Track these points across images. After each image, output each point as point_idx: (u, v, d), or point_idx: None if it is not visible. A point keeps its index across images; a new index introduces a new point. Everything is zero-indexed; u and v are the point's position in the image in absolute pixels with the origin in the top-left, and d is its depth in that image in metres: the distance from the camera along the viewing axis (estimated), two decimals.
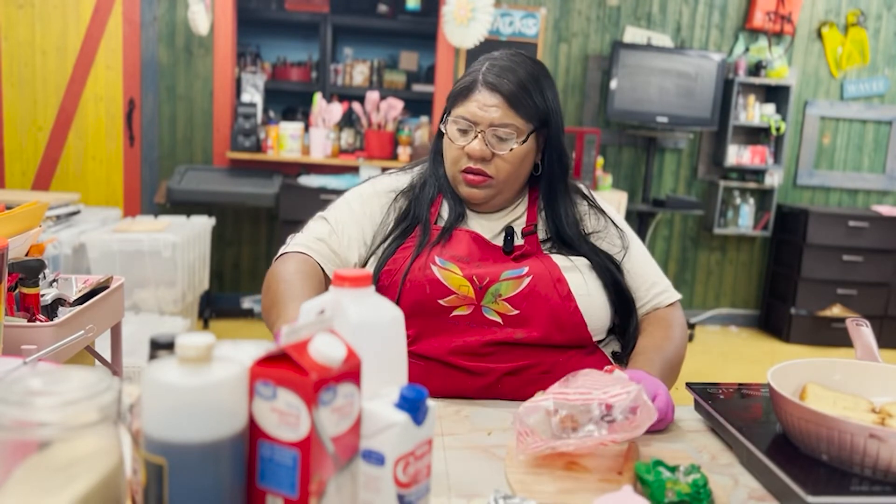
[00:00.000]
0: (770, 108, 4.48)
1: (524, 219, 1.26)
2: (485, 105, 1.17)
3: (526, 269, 1.17)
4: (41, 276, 1.25)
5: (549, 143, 1.24)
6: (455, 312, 1.15)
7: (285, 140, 4.10)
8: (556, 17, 4.38)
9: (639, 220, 4.38)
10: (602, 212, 1.31)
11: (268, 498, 0.60)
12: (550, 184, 1.26)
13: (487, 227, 1.25)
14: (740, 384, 1.12)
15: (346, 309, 0.72)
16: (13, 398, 0.54)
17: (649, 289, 1.27)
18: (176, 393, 0.56)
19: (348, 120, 4.34)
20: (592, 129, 4.15)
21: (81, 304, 1.30)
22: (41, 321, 1.20)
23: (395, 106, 4.13)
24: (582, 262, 1.21)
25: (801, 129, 4.64)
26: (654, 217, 4.57)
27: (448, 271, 1.16)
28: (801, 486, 0.77)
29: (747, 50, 4.49)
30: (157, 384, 0.56)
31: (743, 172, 4.58)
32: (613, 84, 4.21)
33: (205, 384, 0.56)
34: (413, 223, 1.24)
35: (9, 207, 1.30)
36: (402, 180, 1.32)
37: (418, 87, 4.71)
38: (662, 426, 1.00)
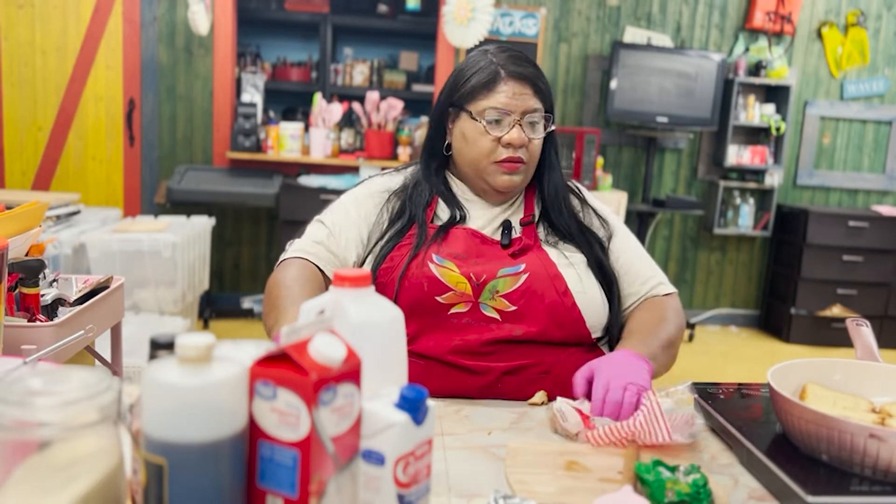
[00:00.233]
0: (770, 108, 4.48)
1: (522, 209, 1.27)
2: (516, 94, 1.19)
3: (523, 266, 1.17)
4: (41, 276, 1.25)
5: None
6: (453, 310, 1.16)
7: (285, 140, 4.10)
8: (556, 17, 4.38)
9: (639, 220, 4.38)
10: (586, 202, 1.33)
11: (268, 498, 0.60)
12: (550, 171, 1.28)
13: (486, 220, 1.25)
14: (740, 384, 1.12)
15: (346, 309, 0.72)
16: (13, 398, 0.54)
17: (644, 283, 1.27)
18: (176, 393, 0.56)
19: (348, 120, 4.34)
20: (592, 129, 4.15)
21: (81, 304, 1.30)
22: (41, 321, 1.20)
23: (395, 106, 4.13)
24: (578, 258, 1.22)
25: (801, 129, 4.64)
26: (654, 217, 4.57)
27: (445, 269, 1.16)
28: (801, 486, 0.77)
29: (747, 50, 4.49)
30: (157, 384, 0.56)
31: (743, 172, 4.58)
32: (613, 84, 4.21)
33: (205, 384, 0.56)
34: (408, 223, 1.24)
35: (9, 207, 1.30)
36: (394, 180, 1.32)
37: (418, 87, 4.71)
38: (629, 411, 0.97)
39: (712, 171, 4.63)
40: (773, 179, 4.49)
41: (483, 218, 1.26)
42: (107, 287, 1.40)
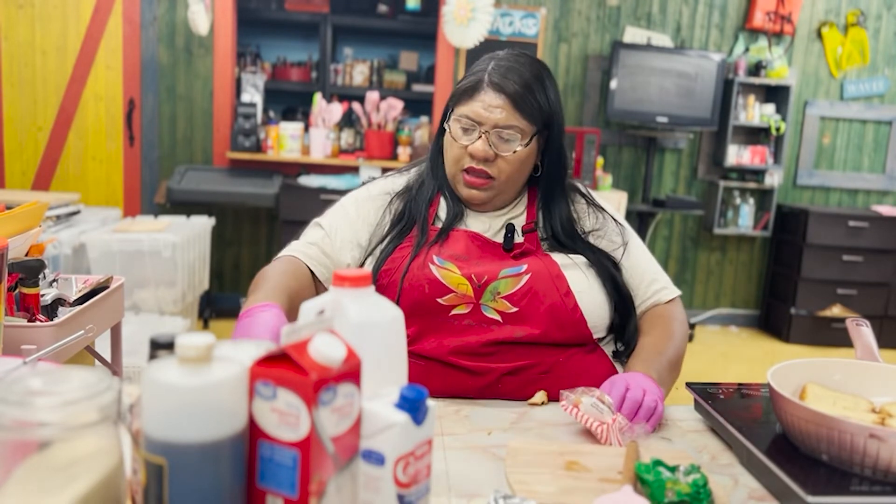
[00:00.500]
0: (770, 108, 4.48)
1: (524, 217, 1.27)
2: (490, 105, 1.16)
3: (524, 267, 1.17)
4: (41, 276, 1.25)
5: (550, 144, 1.23)
6: (454, 311, 1.15)
7: (285, 140, 4.10)
8: (556, 17, 4.38)
9: (639, 220, 4.38)
10: (601, 209, 1.31)
11: (268, 498, 0.60)
12: (549, 185, 1.26)
13: (487, 224, 1.25)
14: (740, 384, 1.12)
15: (346, 309, 0.72)
16: (13, 398, 0.54)
17: (649, 285, 1.27)
18: (176, 393, 0.56)
19: (348, 120, 4.34)
20: (592, 129, 4.15)
21: (81, 304, 1.30)
22: (41, 321, 1.20)
23: (395, 106, 4.13)
24: (581, 259, 1.21)
25: (801, 129, 4.64)
26: (654, 217, 4.57)
27: (446, 270, 1.16)
28: (801, 486, 0.77)
29: (747, 50, 4.49)
30: (157, 384, 0.56)
31: (743, 172, 4.58)
32: (613, 84, 4.21)
33: (205, 384, 0.56)
34: (410, 224, 1.24)
35: (9, 207, 1.30)
36: (397, 182, 1.32)
37: (418, 87, 4.71)
38: (654, 423, 1.00)
39: (712, 171, 4.63)
40: (773, 179, 4.49)
41: (484, 220, 1.26)
42: (107, 287, 1.40)
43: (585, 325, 1.17)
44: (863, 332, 1.07)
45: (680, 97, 4.28)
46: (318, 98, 4.14)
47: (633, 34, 4.42)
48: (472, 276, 1.16)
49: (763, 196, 4.62)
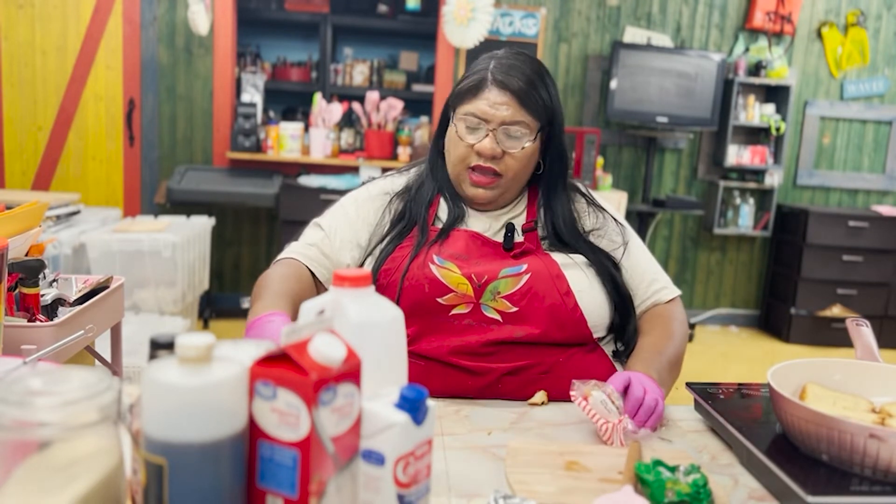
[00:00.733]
0: (770, 108, 4.48)
1: (524, 216, 1.27)
2: (495, 103, 1.17)
3: (525, 267, 1.17)
4: (41, 276, 1.25)
5: (552, 141, 1.24)
6: (454, 311, 1.15)
7: (285, 140, 4.10)
8: (556, 17, 4.38)
9: (639, 220, 4.38)
10: (601, 209, 1.31)
11: (268, 498, 0.60)
12: (551, 181, 1.26)
13: (487, 224, 1.25)
14: (740, 384, 1.12)
15: (346, 309, 0.72)
16: (13, 398, 0.54)
17: (649, 285, 1.27)
18: (176, 393, 0.56)
19: (348, 120, 4.34)
20: (592, 129, 4.15)
21: (81, 304, 1.30)
22: (41, 321, 1.20)
23: (395, 106, 4.13)
24: (581, 258, 1.21)
25: (801, 129, 4.64)
26: (654, 217, 4.57)
27: (446, 270, 1.16)
28: (801, 486, 0.77)
29: (747, 50, 4.49)
30: (157, 384, 0.56)
31: (743, 172, 4.58)
32: (613, 84, 4.21)
33: (205, 384, 0.56)
34: (410, 224, 1.24)
35: (9, 207, 1.30)
36: (397, 182, 1.32)
37: (418, 87, 4.71)
38: (654, 421, 1.00)
39: (712, 171, 4.63)
40: (773, 179, 4.49)
41: (485, 220, 1.26)
42: (107, 287, 1.40)
43: (585, 325, 1.17)
44: (863, 332, 1.07)
45: (680, 97, 4.28)
46: (318, 98, 4.14)
47: (633, 34, 4.42)
48: (472, 275, 1.16)
49: (763, 196, 4.62)
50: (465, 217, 1.25)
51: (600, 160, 4.22)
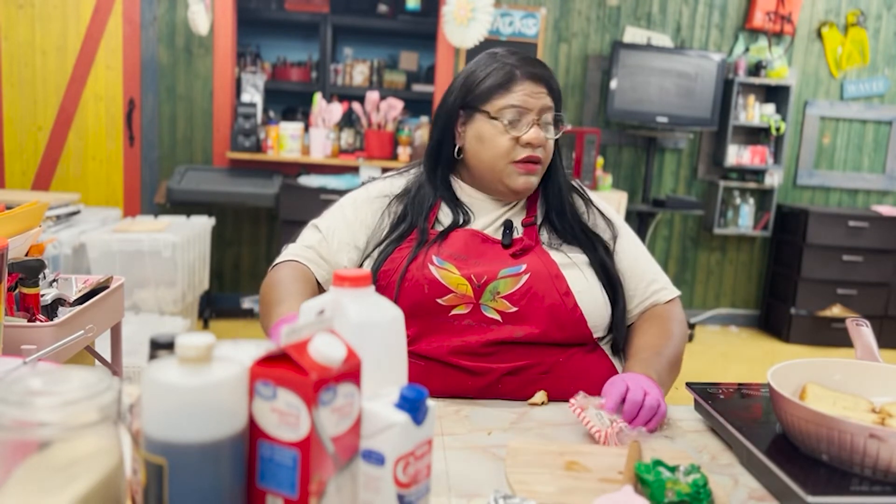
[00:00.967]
0: (770, 108, 4.48)
1: (524, 211, 1.28)
2: (533, 93, 1.20)
3: (524, 267, 1.17)
4: (41, 276, 1.25)
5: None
6: (454, 311, 1.15)
7: (285, 140, 4.10)
8: (556, 17, 4.38)
9: (639, 220, 4.38)
10: (591, 202, 1.33)
11: (268, 498, 0.60)
12: (554, 172, 1.28)
13: (489, 220, 1.25)
14: (740, 384, 1.12)
15: (346, 309, 0.72)
16: (13, 398, 0.54)
17: (648, 285, 1.27)
18: (176, 393, 0.56)
19: (348, 120, 4.34)
20: (592, 129, 4.15)
21: (81, 304, 1.30)
22: (41, 321, 1.20)
23: (395, 106, 4.13)
24: (581, 258, 1.21)
25: (801, 129, 4.64)
26: (654, 217, 4.57)
27: (446, 270, 1.16)
28: (801, 486, 0.77)
29: (747, 50, 4.49)
30: (157, 384, 0.56)
31: (743, 172, 4.58)
32: (613, 84, 4.21)
33: (205, 384, 0.56)
34: (410, 227, 1.24)
35: (9, 207, 1.30)
36: (395, 184, 1.32)
37: (418, 87, 4.71)
38: (656, 422, 1.01)
39: (712, 171, 4.63)
40: (773, 179, 4.49)
41: (485, 219, 1.26)
42: (107, 287, 1.40)
43: (585, 325, 1.17)
44: (863, 332, 1.07)
45: (680, 97, 4.28)
46: (318, 98, 4.14)
47: (633, 34, 4.42)
48: (472, 276, 1.16)
49: (763, 196, 4.62)
50: (470, 222, 1.25)
51: (600, 160, 4.22)
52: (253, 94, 4.23)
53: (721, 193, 4.49)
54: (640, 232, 4.37)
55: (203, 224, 3.48)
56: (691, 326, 4.44)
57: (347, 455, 0.62)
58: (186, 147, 4.23)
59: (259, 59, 4.64)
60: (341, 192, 3.14)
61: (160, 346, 0.69)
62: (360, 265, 1.25)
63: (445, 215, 1.26)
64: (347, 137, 4.27)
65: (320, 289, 1.24)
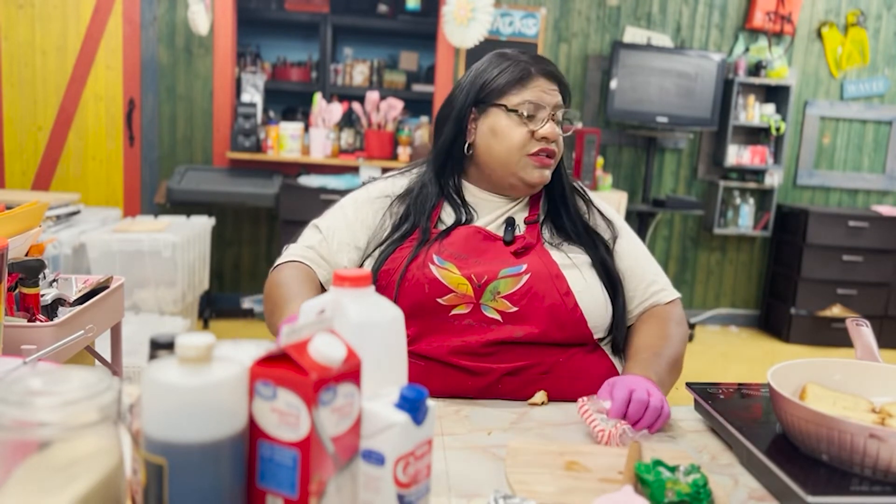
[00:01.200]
0: (770, 108, 4.48)
1: (527, 209, 1.28)
2: (548, 89, 1.23)
3: (524, 267, 1.17)
4: (41, 276, 1.25)
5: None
6: (454, 311, 1.15)
7: (285, 140, 4.10)
8: (556, 17, 4.38)
9: (639, 220, 4.38)
10: (591, 203, 1.34)
11: (268, 498, 0.60)
12: (560, 170, 1.29)
13: (491, 217, 1.26)
14: (740, 384, 1.12)
15: (346, 309, 0.72)
16: (13, 398, 0.54)
17: (648, 286, 1.27)
18: (176, 393, 0.56)
19: (348, 120, 4.34)
20: (592, 129, 4.15)
21: (81, 304, 1.30)
22: (41, 321, 1.20)
23: (395, 106, 4.13)
24: (582, 258, 1.22)
25: (801, 129, 4.64)
26: (654, 217, 4.57)
27: (446, 270, 1.16)
28: (801, 486, 0.77)
29: (747, 50, 4.49)
30: (157, 384, 0.56)
31: (743, 172, 4.58)
32: (613, 84, 4.21)
33: (205, 384, 0.56)
34: (412, 227, 1.24)
35: (9, 207, 1.30)
36: (397, 184, 1.32)
37: (418, 87, 4.71)
38: (661, 423, 1.01)
39: (712, 171, 4.63)
40: (773, 179, 4.49)
41: (488, 217, 1.26)
42: (107, 287, 1.40)
43: (586, 325, 1.17)
44: (863, 332, 1.07)
45: (680, 97, 4.28)
46: (318, 98, 4.14)
47: (633, 34, 4.42)
48: (472, 275, 1.16)
49: (763, 196, 4.62)
50: (472, 221, 1.25)
51: (600, 160, 4.22)
52: (253, 94, 4.23)
53: (721, 193, 4.50)
54: (640, 232, 4.37)
55: (203, 224, 3.48)
56: (691, 326, 4.44)
57: (347, 455, 0.62)
58: (186, 147, 4.23)
59: (259, 59, 4.64)
60: (341, 192, 3.14)
61: (160, 346, 0.69)
62: (361, 265, 1.25)
63: (448, 215, 1.26)
64: (347, 137, 4.27)
65: (323, 289, 1.24)
